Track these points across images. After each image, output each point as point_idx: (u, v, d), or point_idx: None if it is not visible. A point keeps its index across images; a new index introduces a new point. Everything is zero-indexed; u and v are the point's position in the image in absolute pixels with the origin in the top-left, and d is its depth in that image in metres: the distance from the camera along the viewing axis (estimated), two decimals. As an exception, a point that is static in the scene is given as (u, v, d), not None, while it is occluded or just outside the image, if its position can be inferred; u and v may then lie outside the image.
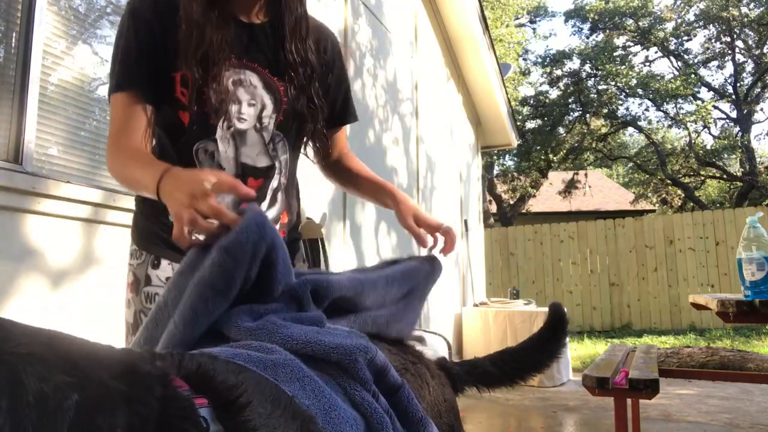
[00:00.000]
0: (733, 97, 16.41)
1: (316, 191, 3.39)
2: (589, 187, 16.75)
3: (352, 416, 0.67)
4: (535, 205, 17.34)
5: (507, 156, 18.58)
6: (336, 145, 1.36)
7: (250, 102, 1.11)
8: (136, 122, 1.06)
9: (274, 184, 1.19)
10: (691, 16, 16.70)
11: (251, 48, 1.13)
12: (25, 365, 0.41)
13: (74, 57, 2.21)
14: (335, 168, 1.38)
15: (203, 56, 1.04)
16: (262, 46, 1.14)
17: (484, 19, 6.02)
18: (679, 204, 17.00)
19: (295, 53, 1.17)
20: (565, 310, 1.26)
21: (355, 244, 3.89)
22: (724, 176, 16.38)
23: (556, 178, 17.16)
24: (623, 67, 15.93)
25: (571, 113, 16.92)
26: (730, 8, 15.11)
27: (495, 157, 17.19)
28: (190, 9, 1.05)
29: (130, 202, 1.42)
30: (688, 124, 15.66)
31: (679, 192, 16.57)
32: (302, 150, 1.28)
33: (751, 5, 15.35)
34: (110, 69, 1.10)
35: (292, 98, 1.16)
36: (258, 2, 1.14)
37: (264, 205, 1.18)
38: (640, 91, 15.80)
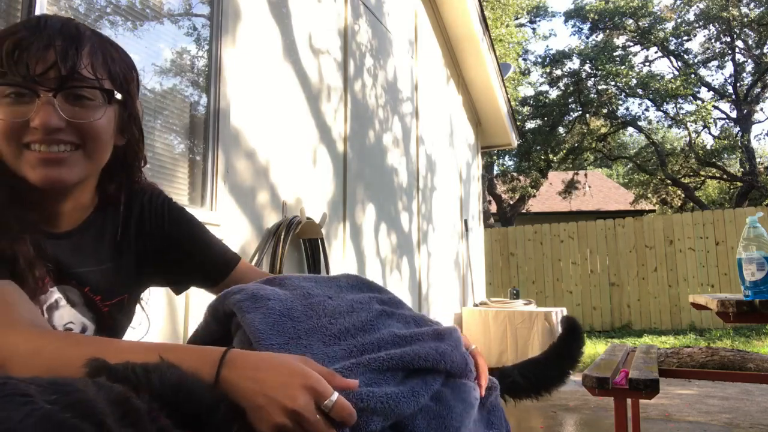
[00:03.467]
0: (733, 97, 16.42)
1: (316, 192, 3.39)
2: (589, 187, 16.75)
3: None
4: (535, 205, 17.35)
5: (507, 156, 18.59)
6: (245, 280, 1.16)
7: (68, 326, 0.94)
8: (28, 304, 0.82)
9: None
10: (691, 16, 16.71)
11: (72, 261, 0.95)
12: None
13: (74, 57, 2.21)
14: None
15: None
16: (83, 255, 0.96)
17: (484, 19, 6.02)
18: (679, 204, 17.01)
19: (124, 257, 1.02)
20: (577, 321, 1.29)
21: (355, 244, 3.89)
22: (724, 176, 16.38)
23: (556, 178, 17.17)
24: (623, 67, 15.92)
25: (571, 113, 16.92)
26: (730, 8, 15.11)
27: (495, 157, 17.20)
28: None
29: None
30: (688, 124, 15.66)
31: (679, 192, 16.57)
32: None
33: (751, 5, 15.35)
34: None
35: (118, 309, 1.02)
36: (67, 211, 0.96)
37: None
38: (640, 91, 15.79)
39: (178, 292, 1.20)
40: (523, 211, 16.69)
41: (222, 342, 0.82)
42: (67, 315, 0.94)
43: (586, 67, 16.44)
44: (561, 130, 16.87)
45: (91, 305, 0.97)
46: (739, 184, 15.67)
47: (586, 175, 17.22)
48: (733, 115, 16.73)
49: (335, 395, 0.67)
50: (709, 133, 16.68)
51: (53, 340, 0.75)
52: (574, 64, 16.88)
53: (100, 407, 0.46)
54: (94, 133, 0.88)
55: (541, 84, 18.52)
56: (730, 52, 16.47)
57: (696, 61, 17.16)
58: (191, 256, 1.11)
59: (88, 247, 0.97)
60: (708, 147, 15.69)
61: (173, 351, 0.71)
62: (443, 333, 0.88)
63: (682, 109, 16.39)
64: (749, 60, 16.39)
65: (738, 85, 16.44)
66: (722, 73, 22.75)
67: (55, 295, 0.92)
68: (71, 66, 0.84)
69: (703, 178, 16.84)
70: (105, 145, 0.91)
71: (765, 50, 15.88)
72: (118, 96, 0.90)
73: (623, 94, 16.27)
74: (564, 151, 16.35)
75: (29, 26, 0.85)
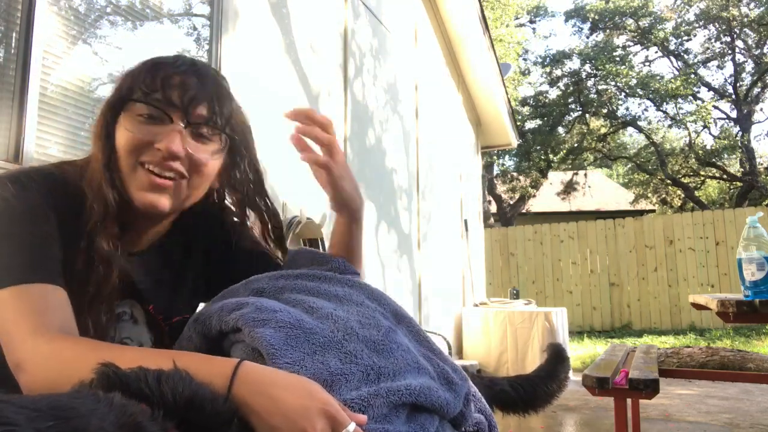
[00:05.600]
0: (733, 97, 16.41)
1: (316, 191, 3.38)
2: (589, 187, 16.75)
3: None
4: (535, 205, 17.34)
5: (507, 156, 18.57)
6: None
7: (125, 341, 0.96)
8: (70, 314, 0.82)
9: None
10: (691, 16, 16.70)
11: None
12: None
13: (74, 57, 2.21)
14: None
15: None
16: (152, 274, 1.00)
17: (484, 19, 6.02)
18: (679, 204, 16.99)
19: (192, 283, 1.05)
20: (564, 348, 1.34)
21: (355, 244, 3.89)
22: (724, 176, 16.36)
23: (556, 178, 17.17)
24: (623, 67, 15.91)
25: (571, 113, 16.91)
26: (730, 8, 15.11)
27: (495, 157, 17.19)
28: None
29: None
30: (688, 124, 15.65)
31: (679, 192, 16.56)
32: None
33: (751, 5, 15.34)
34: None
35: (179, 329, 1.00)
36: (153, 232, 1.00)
37: None
38: (640, 91, 15.78)
39: None
40: (523, 211, 16.69)
41: None
42: (126, 330, 0.97)
43: (586, 67, 16.43)
44: (561, 130, 16.86)
45: (153, 325, 1.00)
46: (739, 184, 15.66)
47: (586, 175, 17.21)
48: (733, 115, 16.72)
49: (352, 425, 0.66)
50: (709, 133, 16.67)
51: (72, 344, 0.76)
52: (574, 64, 16.88)
53: None
54: (203, 168, 0.93)
55: (541, 84, 18.50)
56: (730, 52, 16.46)
57: (696, 61, 17.14)
58: None
59: (157, 267, 1.00)
60: (708, 147, 15.68)
61: (185, 359, 0.69)
62: (452, 375, 0.87)
63: (682, 109, 16.38)
64: (749, 60, 16.38)
65: (738, 85, 16.42)
66: (722, 73, 22.72)
67: (118, 309, 0.95)
68: (211, 109, 0.92)
69: (703, 178, 16.83)
70: (206, 182, 0.97)
71: (765, 50, 15.88)
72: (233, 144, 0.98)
73: (623, 94, 16.26)
74: (564, 151, 16.34)
75: (187, 64, 0.94)
